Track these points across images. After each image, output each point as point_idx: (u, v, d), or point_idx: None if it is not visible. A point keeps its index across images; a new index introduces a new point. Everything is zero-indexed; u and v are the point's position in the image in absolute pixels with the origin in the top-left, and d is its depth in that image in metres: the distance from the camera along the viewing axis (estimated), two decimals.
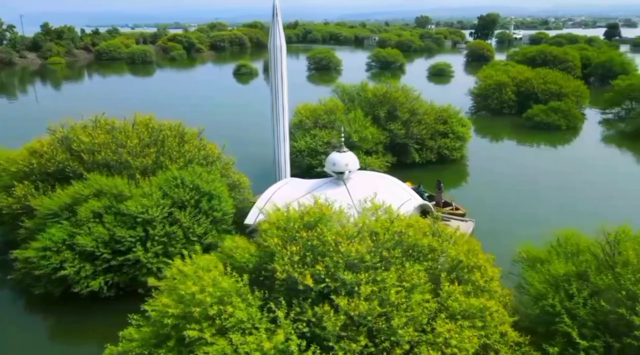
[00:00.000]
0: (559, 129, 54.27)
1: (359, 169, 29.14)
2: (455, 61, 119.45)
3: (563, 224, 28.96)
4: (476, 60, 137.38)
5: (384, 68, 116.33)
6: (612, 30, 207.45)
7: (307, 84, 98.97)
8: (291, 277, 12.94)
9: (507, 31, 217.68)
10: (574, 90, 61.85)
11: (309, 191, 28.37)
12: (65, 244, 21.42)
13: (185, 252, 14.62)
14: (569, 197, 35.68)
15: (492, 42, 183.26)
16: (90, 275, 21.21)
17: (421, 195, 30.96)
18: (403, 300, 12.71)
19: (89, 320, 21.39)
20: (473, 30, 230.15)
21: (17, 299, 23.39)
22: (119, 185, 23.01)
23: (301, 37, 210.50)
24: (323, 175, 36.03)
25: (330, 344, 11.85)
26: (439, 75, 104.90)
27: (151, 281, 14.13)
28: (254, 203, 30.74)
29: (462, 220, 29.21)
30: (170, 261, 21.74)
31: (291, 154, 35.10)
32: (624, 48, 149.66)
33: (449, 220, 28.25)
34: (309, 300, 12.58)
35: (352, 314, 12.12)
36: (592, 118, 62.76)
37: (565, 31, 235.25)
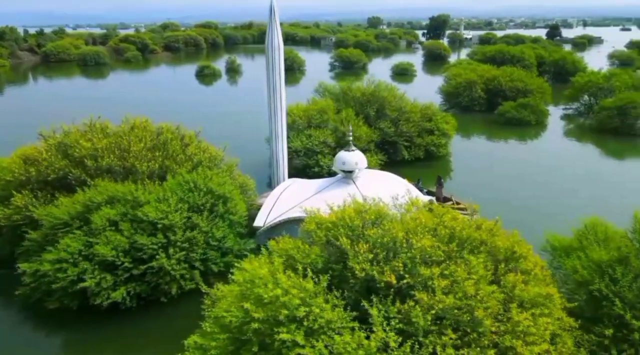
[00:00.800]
0: (530, 124, 56.86)
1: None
2: (413, 61, 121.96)
3: (558, 214, 30.96)
4: (433, 59, 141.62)
5: (347, 68, 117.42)
6: (554, 31, 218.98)
7: None
8: (368, 275, 12.90)
9: (458, 31, 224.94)
10: (538, 87, 64.93)
11: (318, 191, 28.26)
12: (81, 255, 20.29)
13: (251, 255, 14.20)
14: (564, 190, 37.13)
15: (445, 42, 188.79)
16: (110, 286, 20.21)
17: (421, 191, 31.55)
18: (477, 292, 12.96)
19: (107, 332, 20.39)
20: (425, 31, 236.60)
21: (26, 318, 21.74)
22: (133, 191, 22.04)
23: (257, 37, 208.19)
24: (321, 175, 35.98)
25: (420, 339, 11.91)
26: (403, 74, 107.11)
27: (217, 288, 13.62)
28: (256, 205, 30.31)
29: (465, 214, 29.93)
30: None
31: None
32: (566, 47, 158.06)
33: None
34: (390, 297, 12.59)
35: (436, 308, 12.23)
36: (554, 113, 66.01)
37: (509, 31, 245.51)
